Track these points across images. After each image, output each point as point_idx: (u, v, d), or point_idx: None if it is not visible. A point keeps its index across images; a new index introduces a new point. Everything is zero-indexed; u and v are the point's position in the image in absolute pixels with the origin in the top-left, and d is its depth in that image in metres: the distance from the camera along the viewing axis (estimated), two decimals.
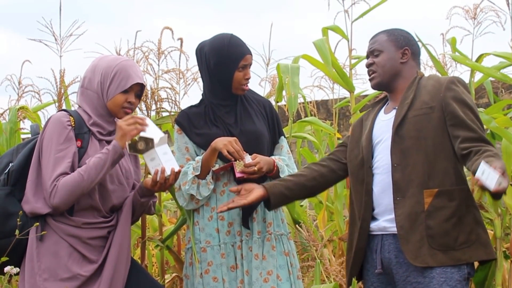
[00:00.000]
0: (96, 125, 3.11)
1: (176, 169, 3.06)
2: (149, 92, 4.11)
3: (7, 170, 3.06)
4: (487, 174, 2.66)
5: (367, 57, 3.23)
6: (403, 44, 3.15)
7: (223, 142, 3.23)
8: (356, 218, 3.16)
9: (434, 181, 2.97)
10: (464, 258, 2.95)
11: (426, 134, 2.98)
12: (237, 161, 3.24)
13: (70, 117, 3.05)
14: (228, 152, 3.20)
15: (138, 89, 3.17)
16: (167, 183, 3.08)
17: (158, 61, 4.20)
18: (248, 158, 3.25)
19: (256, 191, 3.20)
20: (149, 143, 3.00)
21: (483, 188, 2.69)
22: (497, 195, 2.77)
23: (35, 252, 2.98)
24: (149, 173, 4.11)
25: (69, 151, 3.00)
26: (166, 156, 3.04)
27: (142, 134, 2.99)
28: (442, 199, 2.96)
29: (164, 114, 4.23)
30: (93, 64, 3.17)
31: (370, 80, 3.20)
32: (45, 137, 3.02)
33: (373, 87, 3.24)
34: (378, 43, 3.18)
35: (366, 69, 3.22)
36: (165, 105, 4.15)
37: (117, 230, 3.10)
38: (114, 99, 3.11)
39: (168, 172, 3.04)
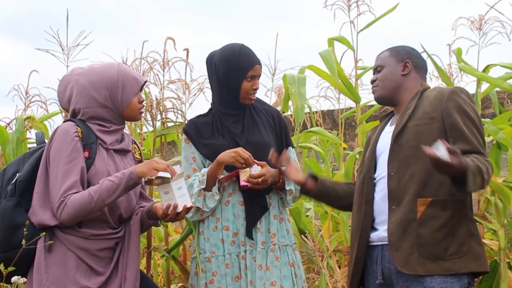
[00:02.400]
0: (110, 133, 3.12)
1: (189, 205, 3.06)
2: (154, 102, 4.12)
3: (14, 181, 3.05)
4: (436, 148, 2.74)
5: (373, 74, 3.26)
6: (404, 57, 3.18)
7: (230, 155, 3.25)
8: (355, 228, 3.17)
9: (429, 191, 2.96)
10: (454, 269, 2.93)
11: (426, 143, 2.98)
12: (243, 170, 3.26)
13: (78, 127, 3.05)
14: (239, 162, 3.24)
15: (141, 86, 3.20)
16: (177, 218, 3.10)
17: (163, 71, 4.22)
18: (254, 169, 3.27)
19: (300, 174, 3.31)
20: (165, 180, 3.00)
21: (433, 162, 2.72)
22: (437, 164, 2.75)
23: (43, 264, 2.97)
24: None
25: (77, 163, 2.98)
26: (180, 192, 3.04)
27: (160, 174, 2.98)
28: (435, 209, 2.95)
29: (169, 124, 4.23)
30: (81, 83, 3.09)
31: (373, 93, 3.23)
32: (52, 148, 3.02)
33: (376, 101, 3.26)
34: (381, 60, 3.22)
35: (371, 86, 3.25)
36: (170, 115, 4.17)
37: (127, 252, 3.10)
38: (131, 105, 3.12)
39: (180, 209, 3.04)
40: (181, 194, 3.04)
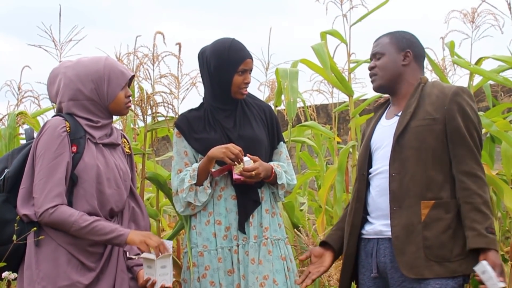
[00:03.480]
0: (98, 128, 3.11)
1: (167, 285, 3.02)
2: (145, 97, 4.11)
3: (2, 176, 3.04)
4: (487, 277, 2.83)
5: (371, 59, 3.21)
6: (404, 46, 3.12)
7: (221, 151, 3.24)
8: (347, 223, 3.17)
9: (431, 193, 2.96)
10: (460, 270, 2.95)
11: (427, 145, 2.97)
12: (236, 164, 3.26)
13: (66, 122, 3.04)
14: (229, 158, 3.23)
15: (128, 80, 3.19)
16: None
17: (153, 66, 4.21)
18: (247, 162, 3.26)
19: (327, 255, 3.24)
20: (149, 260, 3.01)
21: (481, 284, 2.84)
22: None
23: (34, 260, 2.96)
24: (146, 178, 4.13)
25: (63, 159, 2.97)
26: (163, 270, 3.01)
27: (144, 255, 2.98)
28: (439, 211, 2.95)
29: (160, 118, 4.22)
30: (68, 76, 3.10)
31: (372, 82, 3.18)
32: (39, 143, 3.01)
33: (375, 89, 3.22)
34: (380, 46, 3.15)
35: (369, 72, 3.19)
36: (161, 109, 4.15)
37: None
38: (116, 99, 3.11)
39: (157, 287, 3.00)
40: (163, 273, 3.01)
